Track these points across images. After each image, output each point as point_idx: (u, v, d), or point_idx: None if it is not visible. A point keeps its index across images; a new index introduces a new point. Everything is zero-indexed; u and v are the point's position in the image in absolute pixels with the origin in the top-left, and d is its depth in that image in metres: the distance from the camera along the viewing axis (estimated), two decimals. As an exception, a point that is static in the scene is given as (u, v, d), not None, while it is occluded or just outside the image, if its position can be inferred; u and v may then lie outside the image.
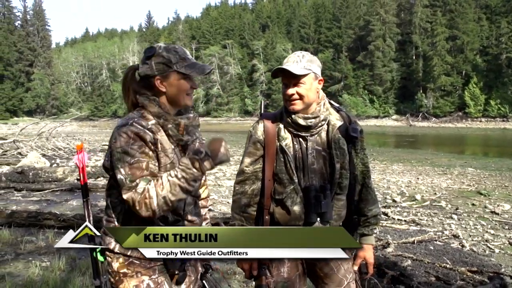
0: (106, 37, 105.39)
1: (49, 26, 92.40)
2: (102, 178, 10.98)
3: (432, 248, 5.70)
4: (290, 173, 2.17)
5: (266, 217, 2.21)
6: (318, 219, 2.16)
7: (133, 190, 1.72)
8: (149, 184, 1.73)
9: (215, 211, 7.64)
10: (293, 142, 2.19)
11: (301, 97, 2.13)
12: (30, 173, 9.99)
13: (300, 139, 2.20)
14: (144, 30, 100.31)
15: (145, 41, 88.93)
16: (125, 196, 1.72)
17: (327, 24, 74.85)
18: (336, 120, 2.22)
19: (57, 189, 9.22)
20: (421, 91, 63.55)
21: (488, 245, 5.96)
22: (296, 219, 2.18)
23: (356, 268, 2.34)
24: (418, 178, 12.23)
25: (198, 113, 2.19)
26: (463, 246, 5.87)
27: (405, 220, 7.25)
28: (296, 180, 2.17)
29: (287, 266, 2.24)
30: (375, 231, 2.44)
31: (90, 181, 10.42)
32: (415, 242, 5.85)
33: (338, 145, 2.18)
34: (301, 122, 2.16)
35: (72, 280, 3.89)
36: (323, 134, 2.20)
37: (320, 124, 2.19)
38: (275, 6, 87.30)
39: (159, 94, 1.89)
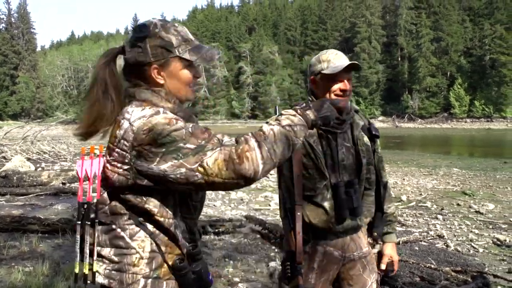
0: (92, 40, 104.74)
1: (34, 29, 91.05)
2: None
3: (417, 248, 5.74)
4: (322, 169, 2.15)
5: (298, 213, 2.13)
6: (349, 214, 2.17)
7: (219, 148, 1.30)
8: (245, 137, 1.35)
9: (201, 214, 7.62)
10: (320, 139, 2.19)
11: (349, 93, 2.21)
12: (14, 177, 9.84)
13: (329, 135, 2.19)
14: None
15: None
16: (211, 159, 1.27)
17: (313, 27, 75.29)
18: (358, 119, 2.29)
19: (42, 193, 9.10)
20: (406, 93, 64.23)
21: (473, 244, 6.02)
22: (327, 215, 2.17)
23: (383, 267, 2.38)
24: (404, 179, 12.32)
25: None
26: (447, 246, 5.92)
27: (391, 221, 7.28)
28: (328, 176, 2.18)
29: (315, 273, 2.20)
30: (396, 229, 2.47)
31: (75, 185, 10.29)
32: (401, 243, 5.88)
33: (363, 141, 2.25)
34: (345, 117, 2.19)
35: (56, 285, 3.83)
36: (349, 131, 2.24)
37: (349, 121, 2.25)
38: (261, 9, 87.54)
39: (155, 87, 1.48)
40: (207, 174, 1.27)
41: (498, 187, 10.87)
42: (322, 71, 2.18)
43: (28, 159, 14.88)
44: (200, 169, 1.27)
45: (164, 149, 1.29)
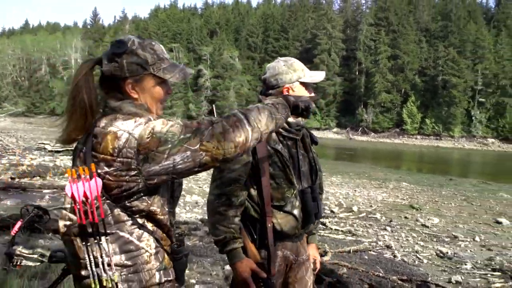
0: (48, 31, 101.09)
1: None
2: (38, 177, 10.57)
3: (366, 257, 5.97)
4: (290, 177, 2.16)
5: (269, 225, 2.14)
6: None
7: (212, 126, 1.43)
8: (231, 112, 1.52)
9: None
10: (282, 146, 2.19)
11: None
12: (-40, 169, 9.45)
13: (290, 142, 2.23)
14: (88, 27, 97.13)
15: (89, 38, 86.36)
16: (209, 136, 1.40)
17: (275, 35, 75.90)
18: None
19: (-10, 187, 8.77)
20: (362, 106, 65.73)
21: (418, 255, 6.32)
22: (297, 222, 2.20)
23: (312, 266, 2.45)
24: (355, 191, 12.69)
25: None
26: (395, 256, 6.20)
27: (342, 230, 7.52)
28: (296, 184, 2.19)
29: (278, 259, 2.23)
30: (318, 230, 2.60)
31: (25, 180, 9.97)
32: (351, 251, 6.10)
33: (312, 149, 2.35)
34: (302, 123, 2.24)
35: (9, 282, 3.74)
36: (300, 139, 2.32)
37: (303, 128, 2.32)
38: (225, 13, 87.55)
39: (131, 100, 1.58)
40: (209, 150, 1.40)
41: (443, 203, 11.41)
42: (301, 80, 2.22)
43: (-26, 151, 14.26)
44: (203, 147, 1.40)
45: (170, 145, 1.41)
